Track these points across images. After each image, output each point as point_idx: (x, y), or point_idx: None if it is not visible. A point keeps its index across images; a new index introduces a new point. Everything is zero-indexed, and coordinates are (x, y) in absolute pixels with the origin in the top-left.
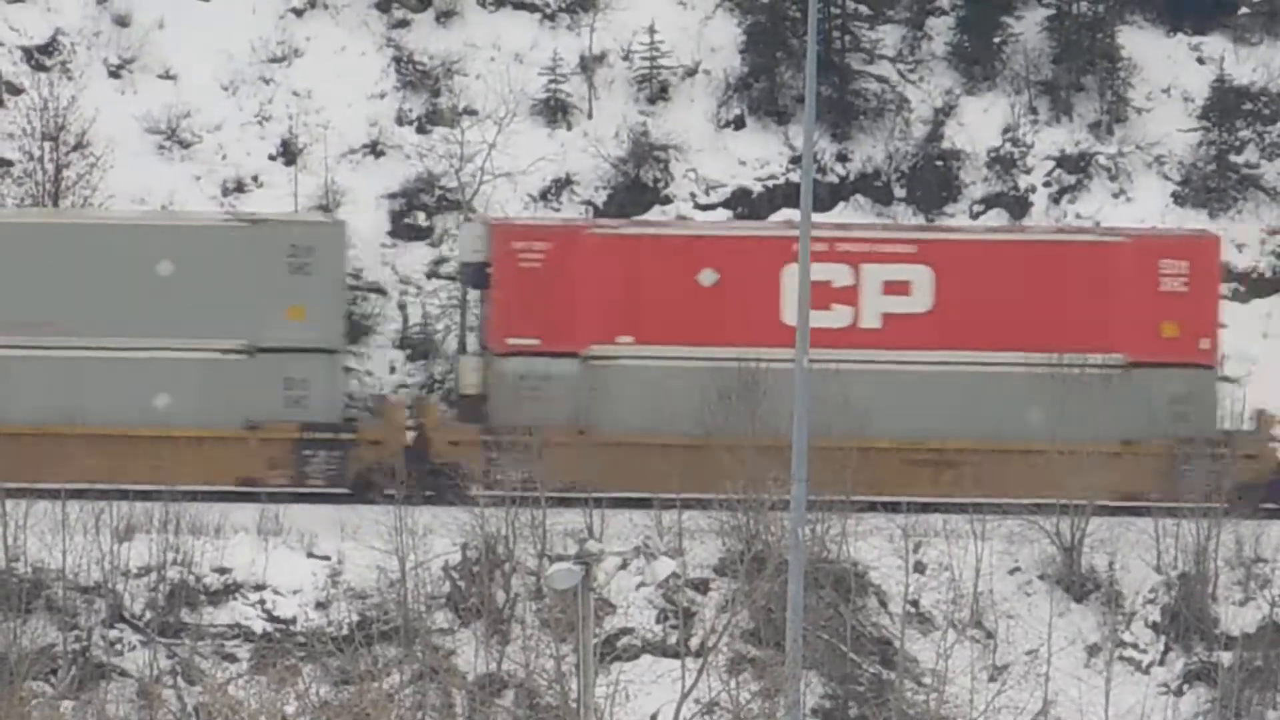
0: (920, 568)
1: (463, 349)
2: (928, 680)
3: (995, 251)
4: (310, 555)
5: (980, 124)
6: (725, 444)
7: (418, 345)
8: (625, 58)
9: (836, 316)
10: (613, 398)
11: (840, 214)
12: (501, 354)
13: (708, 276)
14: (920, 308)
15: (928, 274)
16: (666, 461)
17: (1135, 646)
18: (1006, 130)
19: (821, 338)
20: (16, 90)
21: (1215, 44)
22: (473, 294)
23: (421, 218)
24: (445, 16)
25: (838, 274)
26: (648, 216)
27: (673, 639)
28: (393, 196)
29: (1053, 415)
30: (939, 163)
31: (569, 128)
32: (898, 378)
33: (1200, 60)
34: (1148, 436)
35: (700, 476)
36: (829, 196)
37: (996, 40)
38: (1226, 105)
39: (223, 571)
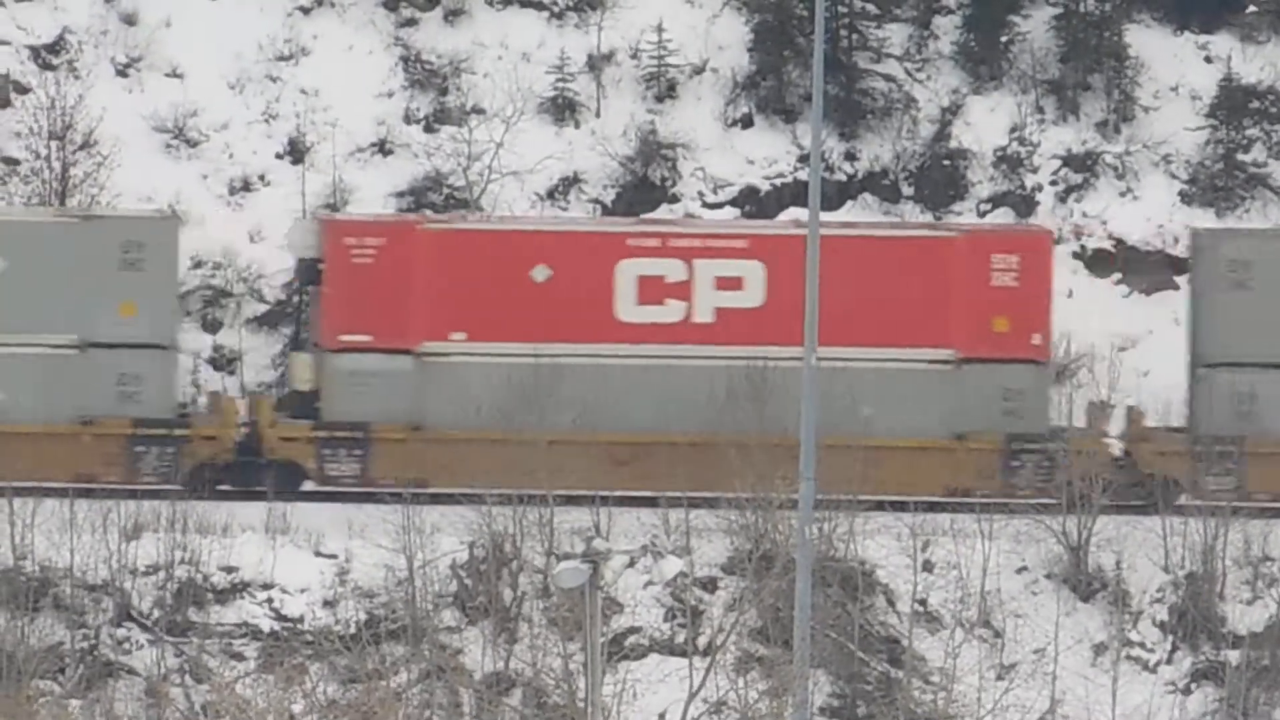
0: (928, 566)
1: (298, 345)
2: (935, 679)
3: (827, 247)
4: (318, 554)
5: (987, 123)
6: (541, 438)
7: None
8: (633, 56)
9: (670, 311)
10: (446, 394)
11: (848, 212)
12: (334, 350)
13: (541, 272)
14: (752, 303)
15: (760, 269)
16: (499, 457)
17: (1142, 645)
18: (1013, 129)
19: (655, 333)
20: (24, 89)
21: (1223, 43)
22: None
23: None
24: (453, 15)
25: (671, 269)
26: (655, 215)
27: (680, 638)
28: (400, 195)
29: (884, 410)
30: (946, 162)
31: (576, 126)
32: (731, 373)
33: (1208, 59)
34: (978, 431)
35: (536, 472)
36: (836, 195)
37: (1003, 39)
38: (1234, 104)
39: (230, 570)
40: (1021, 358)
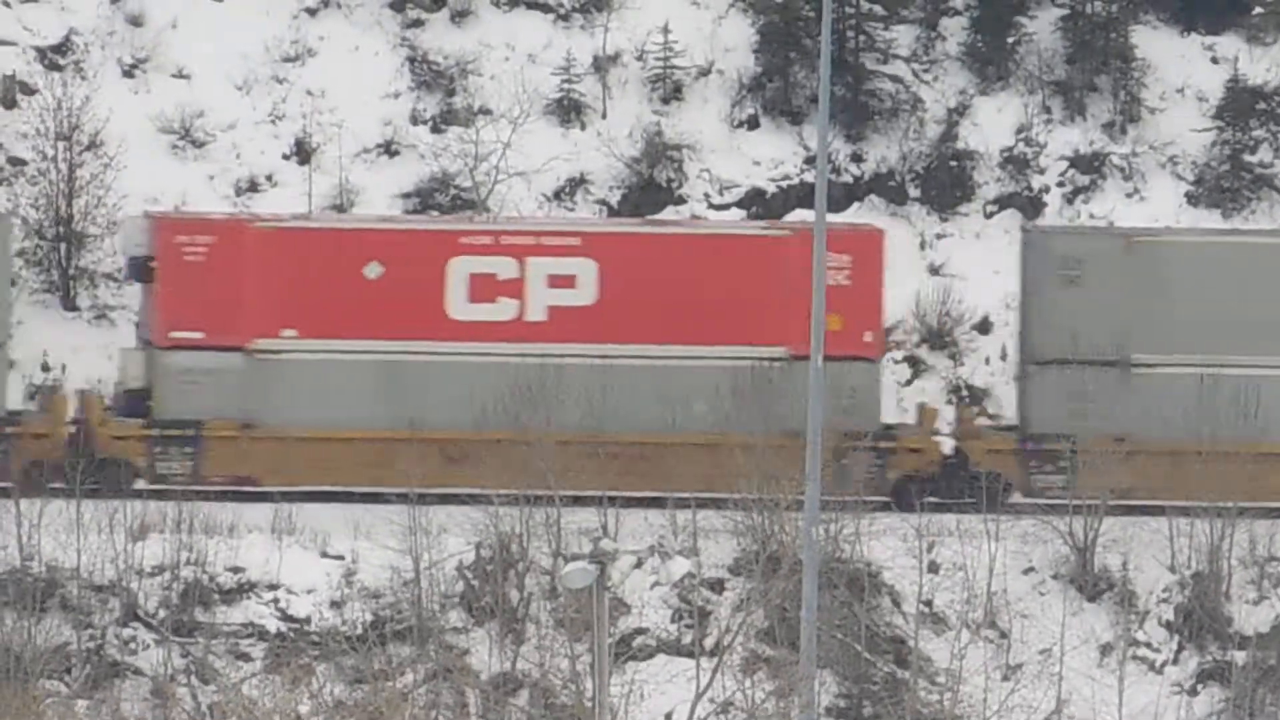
0: (934, 567)
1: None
2: (942, 680)
3: (660, 245)
4: (324, 554)
5: (994, 124)
6: (386, 437)
7: None
8: (639, 57)
9: (502, 309)
10: (278, 391)
11: (855, 214)
12: (165, 348)
13: (373, 269)
14: (585, 300)
15: (592, 267)
16: (331, 454)
17: (1149, 646)
18: (1020, 130)
19: (488, 331)
20: (30, 90)
21: (1229, 44)
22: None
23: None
24: (459, 16)
25: (503, 267)
26: (661, 216)
27: (688, 638)
28: (407, 196)
29: (717, 408)
30: (953, 163)
31: (583, 127)
32: (563, 371)
33: (1214, 60)
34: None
35: (367, 469)
36: (843, 197)
37: (1010, 40)
38: (1240, 105)
39: (237, 570)
40: (854, 355)
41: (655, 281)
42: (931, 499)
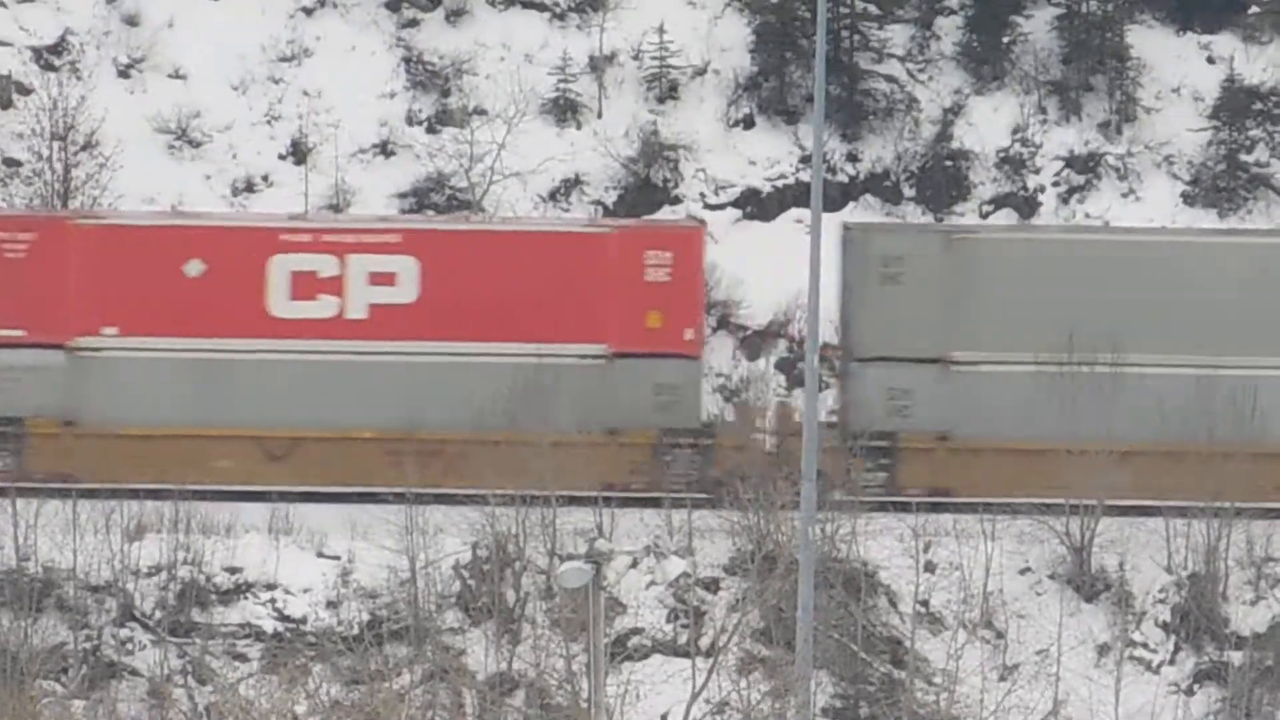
0: (930, 567)
1: None
2: (938, 680)
3: (480, 242)
4: (320, 555)
5: (989, 124)
6: (207, 434)
7: None
8: (635, 57)
9: (323, 307)
10: (99, 389)
11: (850, 214)
12: None
13: (194, 267)
14: (406, 298)
15: (413, 265)
16: (152, 451)
17: (1145, 646)
18: (1015, 130)
19: (308, 328)
20: (26, 90)
21: (1225, 43)
22: None
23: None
24: (455, 16)
25: (324, 264)
26: (659, 216)
27: (683, 639)
28: (403, 196)
29: (538, 406)
30: (948, 163)
31: (579, 127)
32: (384, 369)
33: (1210, 60)
34: (632, 427)
35: (188, 467)
36: (839, 196)
37: (1005, 40)
38: (1236, 105)
39: (233, 571)
40: (674, 353)
41: (476, 279)
42: (750, 496)
